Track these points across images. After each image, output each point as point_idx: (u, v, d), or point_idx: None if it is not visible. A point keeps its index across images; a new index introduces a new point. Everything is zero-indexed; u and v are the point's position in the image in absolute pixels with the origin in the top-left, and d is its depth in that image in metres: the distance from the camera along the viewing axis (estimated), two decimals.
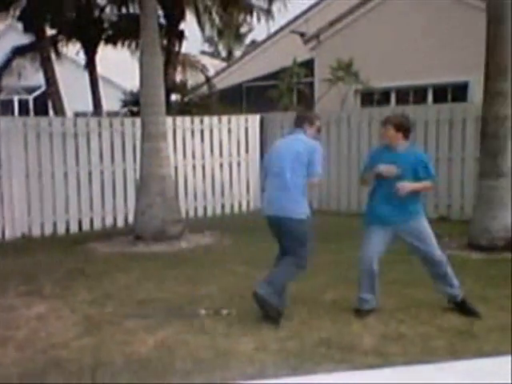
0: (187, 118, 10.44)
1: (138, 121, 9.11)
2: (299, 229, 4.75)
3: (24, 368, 3.97)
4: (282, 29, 17.29)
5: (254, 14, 14.21)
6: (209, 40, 28.81)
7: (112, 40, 14.56)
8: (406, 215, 4.77)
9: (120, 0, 13.52)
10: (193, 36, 16.60)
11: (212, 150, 10.56)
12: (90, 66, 14.53)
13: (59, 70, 14.02)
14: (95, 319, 4.91)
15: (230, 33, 16.20)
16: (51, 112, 14.70)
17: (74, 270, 6.63)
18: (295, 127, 5.10)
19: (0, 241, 8.59)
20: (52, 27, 14.02)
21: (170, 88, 13.10)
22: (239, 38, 25.50)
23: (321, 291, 5.53)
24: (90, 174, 9.35)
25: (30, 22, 13.16)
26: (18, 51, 14.86)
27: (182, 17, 13.74)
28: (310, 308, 5.02)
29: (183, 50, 14.92)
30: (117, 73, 19.47)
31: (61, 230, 9.13)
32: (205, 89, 15.64)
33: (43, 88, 16.70)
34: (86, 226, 9.35)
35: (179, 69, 15.38)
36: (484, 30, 7.11)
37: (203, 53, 27.81)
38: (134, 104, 13.62)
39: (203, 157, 10.47)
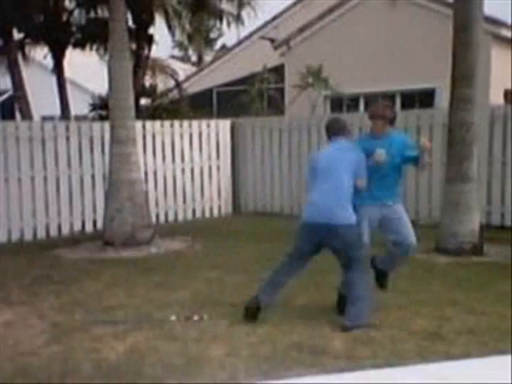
0: (157, 123, 10.39)
1: (106, 125, 9.03)
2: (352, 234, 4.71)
3: None
4: (252, 34, 17.35)
5: (224, 20, 14.22)
6: (179, 44, 28.71)
7: (80, 44, 14.38)
8: (395, 197, 4.97)
9: (88, 4, 13.38)
10: (163, 40, 16.55)
11: (183, 155, 10.52)
12: (58, 69, 14.32)
13: (26, 73, 13.79)
14: (64, 326, 4.83)
15: (200, 37, 16.18)
16: (18, 116, 14.45)
17: (42, 277, 6.52)
18: (336, 135, 4.99)
19: None
20: (19, 31, 13.79)
21: (140, 92, 13.01)
22: (209, 42, 25.52)
23: (292, 295, 5.54)
24: (57, 179, 9.22)
25: None
26: None
27: (151, 21, 13.66)
28: (281, 312, 5.03)
29: (153, 54, 14.83)
30: (85, 77, 19.25)
31: (28, 235, 8.97)
32: (175, 93, 15.59)
33: (10, 92, 16.40)
34: (53, 232, 9.21)
35: (149, 73, 15.29)
36: (451, 37, 7.24)
37: (173, 57, 27.66)
38: (102, 108, 13.48)
39: (174, 161, 10.42)
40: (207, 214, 10.83)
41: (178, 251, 7.92)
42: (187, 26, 14.27)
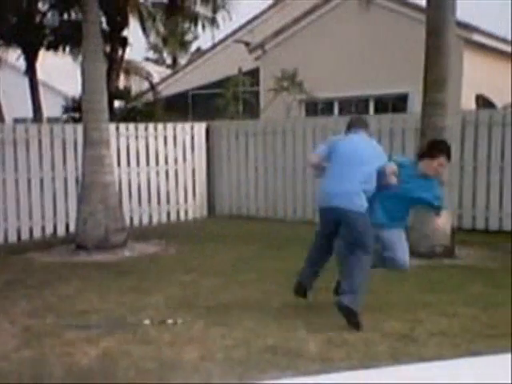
0: (131, 125, 10.32)
1: (79, 127, 8.93)
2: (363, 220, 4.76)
3: None
4: (227, 37, 17.35)
5: (199, 22, 14.20)
6: (153, 47, 28.58)
7: (53, 46, 14.23)
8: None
9: (62, 6, 13.25)
10: (137, 43, 16.46)
11: (157, 158, 10.46)
12: (30, 71, 14.15)
13: None
14: (35, 331, 4.76)
15: (174, 40, 16.12)
16: None
17: (13, 281, 6.41)
18: (358, 127, 5.14)
19: None
20: None
21: (113, 94, 12.91)
22: (184, 45, 25.44)
23: (267, 298, 5.55)
24: (29, 181, 9.09)
25: None
26: None
27: (125, 23, 13.58)
28: (256, 315, 5.03)
29: (127, 56, 14.75)
30: (58, 79, 19.03)
31: None
32: (149, 96, 15.50)
33: None
34: (25, 235, 9.07)
35: (123, 75, 15.19)
36: (424, 42, 7.33)
37: (148, 60, 27.49)
38: (75, 110, 13.33)
39: (148, 164, 10.36)
40: (182, 217, 10.79)
41: (152, 254, 7.86)
42: (162, 29, 14.21)
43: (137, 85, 15.88)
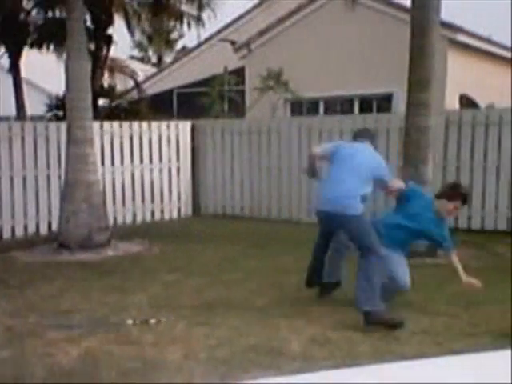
0: (115, 123, 10.25)
1: (63, 125, 8.86)
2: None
3: None
4: (213, 36, 17.32)
5: (184, 21, 14.16)
6: (138, 45, 28.43)
7: (37, 43, 14.12)
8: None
9: (46, 3, 13.15)
10: (122, 41, 16.36)
11: (142, 156, 10.41)
12: (14, 69, 14.02)
13: None
14: (17, 330, 4.72)
15: (160, 38, 16.05)
16: None
17: None
18: (363, 137, 5.26)
19: None
20: None
21: (98, 92, 12.84)
22: (170, 43, 25.34)
23: (252, 297, 5.55)
24: (11, 179, 9.01)
25: None
26: None
27: (110, 21, 13.51)
28: (240, 314, 5.03)
29: (112, 54, 14.66)
30: (42, 77, 18.87)
31: None
32: (134, 94, 15.43)
33: None
34: (6, 234, 8.99)
35: (107, 73, 15.10)
36: (408, 43, 7.36)
37: (133, 58, 27.36)
38: (59, 108, 13.24)
39: (132, 163, 10.31)
40: (166, 216, 10.75)
41: (135, 254, 7.83)
42: (147, 27, 14.15)
43: (121, 83, 15.81)
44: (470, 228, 8.90)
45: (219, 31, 17.17)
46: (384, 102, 12.26)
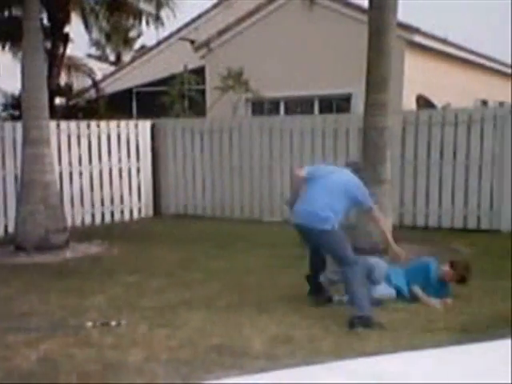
0: (73, 123, 10.09)
1: (19, 125, 8.67)
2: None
3: None
4: (172, 35, 17.19)
5: (143, 19, 14.00)
6: (96, 43, 27.98)
7: None
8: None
9: (2, 2, 12.83)
10: (79, 39, 16.10)
11: (100, 156, 10.26)
12: None
13: None
14: None
15: (118, 37, 15.84)
16: None
17: None
18: (347, 166, 5.52)
19: None
20: None
21: (54, 91, 12.60)
22: (128, 42, 25.00)
23: (214, 297, 5.54)
24: None
25: None
26: None
27: (66, 19, 13.28)
28: (202, 315, 5.01)
29: (69, 52, 14.40)
30: None
31: None
32: (92, 93, 15.20)
33: None
34: None
35: (64, 72, 14.82)
36: (366, 44, 7.45)
37: (90, 56, 26.91)
38: (15, 108, 12.96)
39: (90, 163, 10.15)
40: (127, 217, 10.63)
41: (94, 255, 7.72)
42: (105, 25, 13.95)
43: (79, 82, 15.54)
44: (428, 226, 9.08)
45: (179, 30, 17.04)
46: (343, 102, 12.40)
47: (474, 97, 14.18)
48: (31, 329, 4.70)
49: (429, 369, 3.80)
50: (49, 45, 12.92)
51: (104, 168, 10.32)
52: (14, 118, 12.36)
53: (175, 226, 9.92)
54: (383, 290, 5.41)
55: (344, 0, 12.41)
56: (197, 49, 14.06)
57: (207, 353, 4.18)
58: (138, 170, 10.79)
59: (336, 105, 12.61)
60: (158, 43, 17.83)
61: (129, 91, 16.22)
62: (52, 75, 12.60)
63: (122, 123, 10.61)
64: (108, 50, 29.31)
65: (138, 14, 13.89)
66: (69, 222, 8.86)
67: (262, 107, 13.21)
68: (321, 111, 12.56)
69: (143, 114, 12.86)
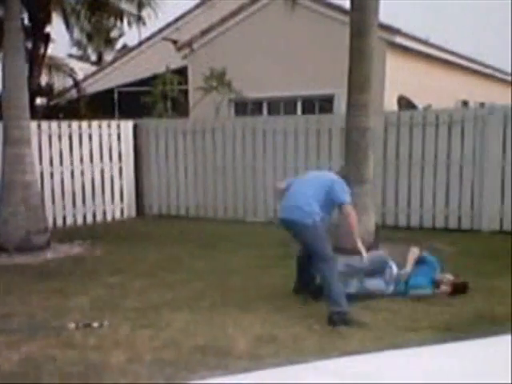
0: (54, 123, 10.00)
1: None
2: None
3: None
4: (154, 35, 17.13)
5: (125, 19, 13.93)
6: (77, 43, 27.78)
7: None
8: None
9: None
10: (61, 39, 15.97)
11: (81, 156, 10.19)
12: None
13: None
14: None
15: (99, 37, 15.74)
16: None
17: None
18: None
19: None
20: None
21: (35, 91, 12.49)
22: (110, 42, 24.87)
23: (198, 298, 5.52)
24: None
25: None
26: None
27: (47, 19, 13.18)
28: (186, 315, 5.00)
29: (50, 52, 14.28)
30: None
31: None
32: (73, 93, 15.08)
33: None
34: None
35: (45, 72, 14.70)
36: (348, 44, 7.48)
37: (71, 56, 26.72)
38: None
39: (72, 163, 10.07)
40: (109, 218, 10.56)
41: (76, 256, 7.66)
42: (86, 25, 13.86)
43: (60, 82, 15.42)
44: (410, 225, 9.15)
45: (161, 30, 16.99)
46: (326, 103, 12.44)
47: (455, 97, 14.32)
48: (12, 330, 4.65)
49: (412, 368, 3.83)
50: (30, 45, 12.82)
51: (86, 168, 10.25)
52: None
53: (158, 227, 9.88)
54: (377, 285, 5.49)
55: (326, 1, 12.47)
56: (179, 49, 14.02)
57: (191, 353, 4.17)
58: (121, 171, 10.72)
59: (319, 105, 12.65)
60: (140, 43, 17.76)
61: (111, 91, 16.12)
62: (33, 75, 12.50)
63: (104, 123, 10.54)
64: (89, 50, 29.13)
65: (119, 14, 13.82)
66: (50, 223, 8.79)
67: (245, 108, 13.21)
68: (304, 112, 12.60)
69: (125, 114, 12.78)
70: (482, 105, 13.81)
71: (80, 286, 6.06)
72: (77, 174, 10.13)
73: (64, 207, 10.00)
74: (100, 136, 10.41)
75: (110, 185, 10.59)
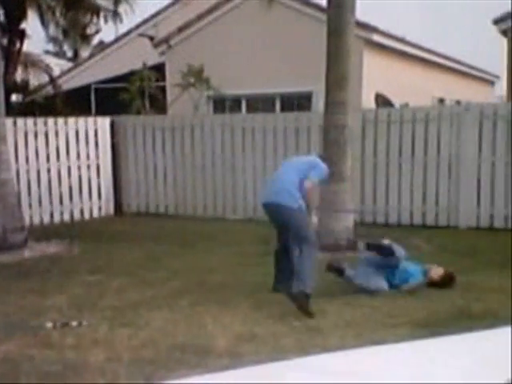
0: (30, 120, 9.86)
1: None
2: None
3: None
4: (131, 31, 16.98)
5: (101, 15, 13.82)
6: (53, 39, 27.43)
7: None
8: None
9: None
10: (36, 35, 15.78)
11: (58, 154, 10.07)
12: None
13: None
14: None
15: (75, 33, 15.58)
16: None
17: None
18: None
19: None
20: None
21: (11, 88, 12.33)
22: (86, 38, 24.62)
23: (177, 296, 5.50)
24: None
25: None
26: None
27: (23, 16, 13.02)
28: (165, 314, 4.97)
29: (25, 49, 14.11)
30: None
31: None
32: (49, 89, 14.90)
33: None
34: None
35: (21, 68, 14.51)
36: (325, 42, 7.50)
37: (47, 52, 26.38)
38: None
39: (48, 160, 9.95)
40: (87, 216, 10.45)
41: (54, 255, 7.57)
42: (62, 21, 13.71)
43: (36, 78, 15.23)
44: (388, 223, 9.22)
45: (137, 26, 16.85)
46: (304, 101, 12.47)
47: (432, 95, 14.47)
48: None
49: (391, 363, 3.87)
50: (5, 41, 12.67)
51: (62, 166, 10.13)
52: None
53: (137, 225, 9.81)
54: (378, 282, 5.55)
55: None
56: (156, 45, 13.93)
57: (170, 352, 4.15)
58: (98, 168, 10.62)
59: (297, 103, 12.67)
60: (117, 39, 17.60)
61: (87, 88, 15.96)
62: (8, 72, 12.33)
63: (81, 120, 10.43)
64: (65, 47, 28.78)
65: (95, 10, 13.72)
66: (27, 221, 8.68)
67: (223, 105, 13.18)
68: (282, 109, 12.61)
69: (102, 110, 12.67)
70: (458, 103, 13.97)
71: (58, 284, 6.00)
72: (53, 171, 10.01)
73: (41, 205, 9.89)
74: (77, 133, 10.29)
75: (87, 182, 10.49)
